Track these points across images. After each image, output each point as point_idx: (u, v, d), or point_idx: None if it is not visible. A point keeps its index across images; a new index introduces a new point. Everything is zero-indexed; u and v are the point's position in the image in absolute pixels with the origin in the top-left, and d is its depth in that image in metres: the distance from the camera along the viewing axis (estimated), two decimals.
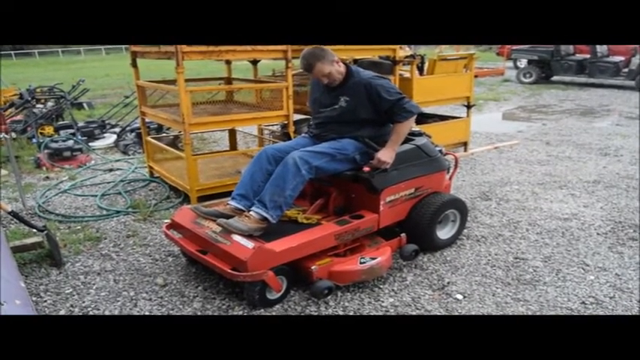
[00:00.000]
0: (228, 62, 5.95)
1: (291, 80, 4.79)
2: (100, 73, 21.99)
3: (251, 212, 3.07)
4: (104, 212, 4.63)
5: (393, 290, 3.18)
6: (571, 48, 14.42)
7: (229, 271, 2.85)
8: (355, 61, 7.72)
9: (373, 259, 3.16)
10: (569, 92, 12.97)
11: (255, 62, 5.94)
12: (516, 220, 4.30)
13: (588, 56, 13.86)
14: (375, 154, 3.29)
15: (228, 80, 5.99)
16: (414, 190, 3.58)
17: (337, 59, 3.31)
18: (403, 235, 3.50)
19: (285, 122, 4.97)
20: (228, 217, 3.11)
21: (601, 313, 2.91)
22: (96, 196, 5.04)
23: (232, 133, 6.38)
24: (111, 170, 6.13)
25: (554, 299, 3.06)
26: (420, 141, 3.65)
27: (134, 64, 5.26)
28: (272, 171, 3.19)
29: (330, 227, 3.21)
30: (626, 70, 13.29)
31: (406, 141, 3.61)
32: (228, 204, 3.26)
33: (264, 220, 3.04)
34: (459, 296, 3.10)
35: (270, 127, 6.47)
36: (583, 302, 3.02)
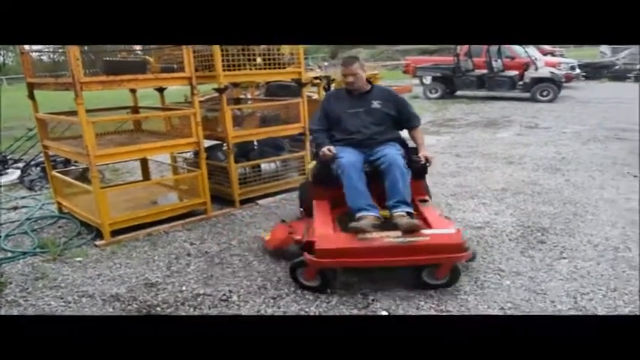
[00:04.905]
0: (132, 90, 5.71)
1: (199, 106, 4.67)
2: (3, 103, 20.46)
3: (400, 212, 3.39)
4: (9, 254, 4.27)
5: (319, 313, 3.11)
6: (470, 64, 15.29)
7: (449, 256, 3.17)
8: (267, 83, 7.69)
9: None
10: (473, 106, 13.70)
11: (161, 90, 5.74)
12: None
13: (486, 71, 14.75)
14: (418, 156, 3.80)
15: (135, 109, 5.74)
16: None
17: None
18: None
19: (197, 150, 4.83)
20: (375, 228, 3.28)
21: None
22: None
23: (144, 163, 6.12)
24: (15, 208, 5.66)
25: (475, 307, 3.11)
26: None
27: (31, 97, 4.92)
28: (364, 178, 3.53)
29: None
30: (520, 83, 14.30)
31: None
32: (367, 216, 3.36)
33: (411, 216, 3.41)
34: (384, 313, 3.09)
35: (184, 155, 6.27)
36: (502, 308, 3.10)
